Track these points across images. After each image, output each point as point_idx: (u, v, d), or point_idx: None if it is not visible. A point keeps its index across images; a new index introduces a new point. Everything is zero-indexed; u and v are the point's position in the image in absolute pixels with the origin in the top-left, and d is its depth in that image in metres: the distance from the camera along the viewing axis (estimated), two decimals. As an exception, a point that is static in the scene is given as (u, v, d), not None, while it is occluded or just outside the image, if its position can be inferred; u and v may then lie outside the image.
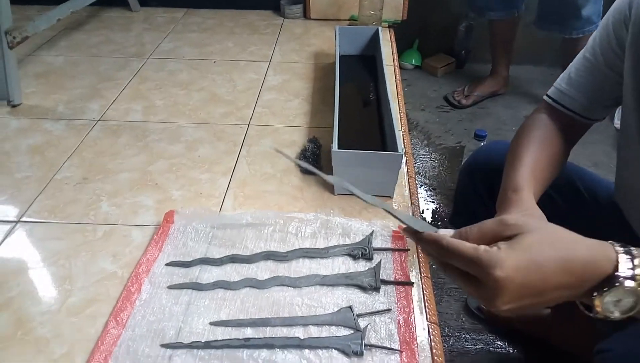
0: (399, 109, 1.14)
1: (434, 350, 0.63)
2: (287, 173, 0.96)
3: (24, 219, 0.86)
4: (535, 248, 0.43)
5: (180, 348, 0.63)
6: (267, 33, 1.60)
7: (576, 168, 0.88)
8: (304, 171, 0.95)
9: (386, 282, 0.71)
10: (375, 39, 1.29)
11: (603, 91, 0.72)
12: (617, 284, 0.42)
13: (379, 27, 1.29)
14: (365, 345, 0.62)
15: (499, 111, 2.10)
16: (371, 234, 0.78)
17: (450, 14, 2.29)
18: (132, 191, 0.92)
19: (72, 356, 0.63)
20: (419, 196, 1.63)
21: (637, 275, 0.42)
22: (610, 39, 0.69)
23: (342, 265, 0.74)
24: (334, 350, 0.62)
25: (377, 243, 0.78)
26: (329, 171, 0.87)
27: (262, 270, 0.74)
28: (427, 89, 2.27)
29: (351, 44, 1.31)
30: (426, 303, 0.69)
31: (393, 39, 1.53)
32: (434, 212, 1.61)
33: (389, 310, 0.67)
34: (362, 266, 0.74)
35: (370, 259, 0.75)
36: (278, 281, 0.72)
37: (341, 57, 1.19)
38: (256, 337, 0.64)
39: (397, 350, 0.62)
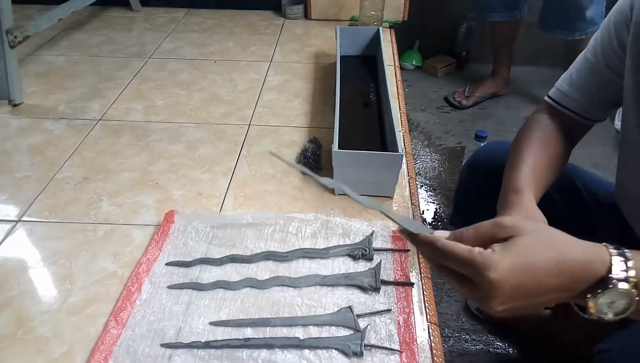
0: (400, 110, 1.14)
1: (434, 351, 0.63)
2: (288, 173, 0.96)
3: (24, 218, 0.86)
4: (529, 250, 0.43)
5: (180, 348, 0.63)
6: (268, 33, 1.60)
7: (576, 168, 0.88)
8: (304, 172, 0.95)
9: (386, 283, 0.71)
10: (376, 40, 1.29)
11: (604, 91, 0.72)
12: (610, 286, 0.42)
13: (380, 28, 1.29)
14: (365, 345, 0.62)
15: (499, 112, 2.11)
16: (371, 234, 0.78)
17: (451, 15, 2.29)
18: (133, 191, 0.92)
19: (72, 355, 0.64)
20: (420, 196, 1.63)
21: (630, 277, 0.42)
22: (611, 40, 0.69)
23: (342, 265, 0.74)
24: (333, 350, 0.62)
25: (377, 243, 0.78)
26: (330, 172, 0.87)
27: (262, 270, 0.74)
28: (427, 89, 2.27)
29: (352, 44, 1.31)
30: (426, 304, 0.69)
31: (394, 40, 1.53)
32: (434, 213, 1.61)
33: (389, 310, 0.67)
34: (362, 266, 0.74)
35: (370, 259, 0.75)
36: (278, 282, 0.72)
37: (342, 57, 1.19)
38: (256, 337, 0.64)
39: (397, 350, 0.62)
